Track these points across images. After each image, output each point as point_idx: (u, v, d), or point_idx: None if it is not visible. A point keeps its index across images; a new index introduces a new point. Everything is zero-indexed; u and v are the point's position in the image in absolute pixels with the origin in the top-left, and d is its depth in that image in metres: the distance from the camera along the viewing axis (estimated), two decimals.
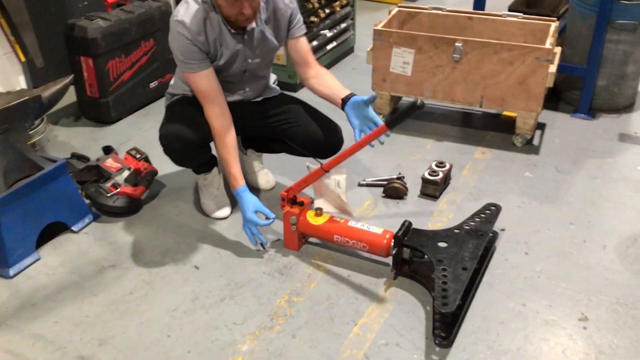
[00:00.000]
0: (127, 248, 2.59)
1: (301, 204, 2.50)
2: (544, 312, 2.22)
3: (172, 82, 2.76)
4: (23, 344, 2.12)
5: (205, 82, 2.41)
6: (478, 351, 2.06)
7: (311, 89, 2.63)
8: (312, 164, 2.45)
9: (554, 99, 3.75)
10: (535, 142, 3.39)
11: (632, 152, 3.29)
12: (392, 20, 3.51)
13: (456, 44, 3.16)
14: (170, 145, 2.51)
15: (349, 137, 2.54)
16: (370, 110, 2.43)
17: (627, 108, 3.75)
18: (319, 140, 2.61)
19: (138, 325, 2.20)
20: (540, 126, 3.51)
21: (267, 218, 2.46)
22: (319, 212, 2.47)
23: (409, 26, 3.64)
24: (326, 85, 2.57)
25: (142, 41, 3.69)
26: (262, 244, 2.53)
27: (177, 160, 2.62)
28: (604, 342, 2.08)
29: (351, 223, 2.44)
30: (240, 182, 2.46)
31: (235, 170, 2.46)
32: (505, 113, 3.61)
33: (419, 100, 2.05)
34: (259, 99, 2.75)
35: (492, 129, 3.52)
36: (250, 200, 2.46)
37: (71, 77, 2.66)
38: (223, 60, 2.44)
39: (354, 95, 2.48)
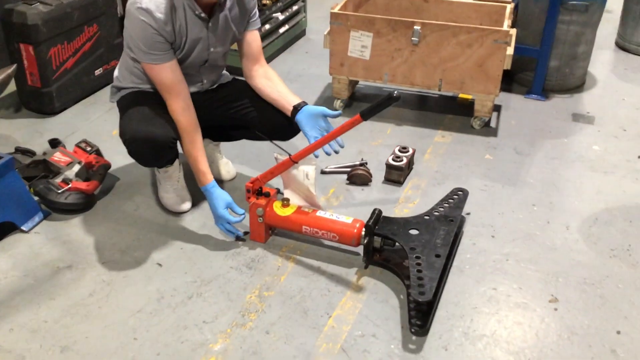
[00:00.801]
0: (83, 247, 2.45)
1: (267, 194, 2.42)
2: (515, 296, 2.23)
3: (116, 73, 2.58)
4: None
5: (169, 74, 2.29)
6: (454, 338, 2.05)
7: (258, 88, 2.54)
8: (280, 154, 2.38)
9: (507, 80, 3.78)
10: (493, 124, 3.41)
11: (585, 131, 3.35)
12: (348, 3, 3.44)
13: (415, 27, 3.13)
14: (140, 149, 2.35)
15: None
16: (329, 124, 2.40)
17: (578, 88, 3.82)
18: (279, 122, 2.52)
19: (102, 329, 2.08)
20: (496, 108, 3.53)
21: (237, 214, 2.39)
22: (285, 202, 2.41)
23: (364, 9, 3.59)
24: (276, 89, 2.50)
25: (85, 26, 3.49)
26: (238, 237, 2.47)
27: (145, 162, 2.49)
28: (575, 323, 2.11)
29: (320, 213, 2.38)
30: (209, 178, 2.37)
31: (204, 166, 2.37)
32: (462, 96, 3.62)
33: (395, 93, 2.00)
34: (214, 86, 2.65)
35: (449, 112, 3.52)
36: (220, 197, 2.37)
37: (14, 66, 2.48)
38: (185, 50, 2.32)
39: (306, 104, 2.43)
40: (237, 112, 2.59)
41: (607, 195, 2.79)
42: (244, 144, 3.01)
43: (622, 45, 4.43)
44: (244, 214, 2.40)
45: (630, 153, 3.13)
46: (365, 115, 2.11)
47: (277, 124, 2.53)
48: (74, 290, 2.24)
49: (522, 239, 2.51)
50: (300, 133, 2.45)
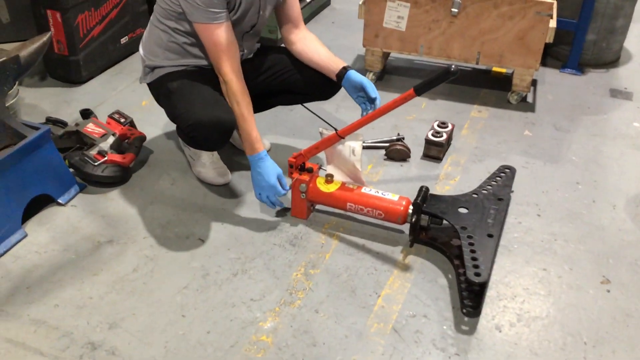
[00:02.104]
0: (123, 221, 2.41)
1: (310, 170, 2.37)
2: (566, 277, 2.19)
3: (143, 52, 2.46)
4: (23, 331, 1.94)
5: (229, 33, 2.20)
6: (507, 319, 2.02)
7: (299, 53, 2.48)
8: (325, 129, 2.31)
9: (542, 54, 3.69)
10: (529, 99, 3.34)
11: (624, 107, 3.28)
12: None
13: None
14: (206, 134, 2.23)
15: None
16: (368, 89, 2.34)
17: (614, 63, 3.74)
18: (322, 79, 2.47)
19: (148, 305, 2.04)
20: (532, 82, 3.45)
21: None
22: (329, 178, 2.35)
23: None
24: (317, 53, 2.45)
25: None
26: (279, 209, 2.43)
27: (209, 147, 2.40)
28: (629, 305, 2.08)
29: (365, 190, 2.33)
30: (261, 146, 2.28)
31: (256, 133, 2.26)
32: (495, 69, 3.54)
33: (452, 67, 1.92)
34: (250, 55, 2.57)
35: (484, 85, 3.44)
36: (272, 167, 2.29)
37: (49, 34, 2.39)
38: (239, 12, 2.25)
39: (348, 69, 2.36)
40: (276, 78, 2.53)
41: None
42: (278, 117, 2.95)
43: None
44: (290, 188, 2.34)
45: None
46: (419, 90, 2.04)
47: (321, 83, 2.49)
48: (117, 266, 2.20)
49: (569, 218, 2.47)
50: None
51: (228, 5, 2.20)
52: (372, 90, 2.32)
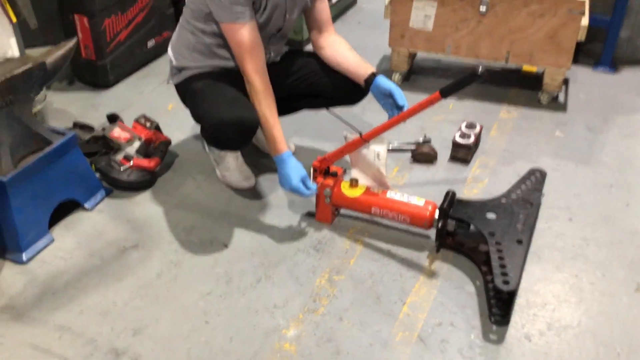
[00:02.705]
0: (148, 226, 2.41)
1: (335, 174, 2.34)
2: (598, 283, 2.12)
3: (171, 53, 2.46)
4: (49, 337, 1.95)
5: (253, 33, 2.19)
6: (537, 328, 1.96)
7: (327, 57, 2.45)
8: (350, 133, 2.28)
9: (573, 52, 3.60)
10: (561, 98, 3.25)
11: None
12: None
13: None
14: (228, 134, 2.23)
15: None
16: (396, 96, 2.29)
17: None
18: (350, 84, 2.44)
19: (172, 311, 2.04)
20: (564, 81, 3.36)
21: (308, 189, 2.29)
22: (354, 183, 2.32)
23: None
24: (345, 59, 2.42)
25: None
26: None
27: (231, 147, 2.41)
28: None
29: (390, 194, 2.29)
30: (285, 146, 2.24)
31: (280, 132, 2.23)
32: (525, 68, 3.45)
33: (480, 68, 1.87)
34: (278, 58, 2.55)
35: (513, 85, 3.37)
36: (296, 167, 2.24)
37: (74, 40, 2.40)
38: (265, 15, 2.24)
39: (376, 75, 2.33)
40: (303, 82, 2.51)
41: None
42: (303, 120, 2.92)
43: None
44: (315, 189, 2.31)
45: None
46: (446, 93, 1.99)
47: (349, 88, 2.46)
48: (142, 271, 2.20)
49: (601, 222, 2.39)
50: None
51: (254, 6, 2.18)
52: (400, 98, 2.28)
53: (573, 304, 2.04)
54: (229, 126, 2.20)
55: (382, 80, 2.31)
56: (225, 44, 2.31)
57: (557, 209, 2.46)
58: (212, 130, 2.25)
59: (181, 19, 2.42)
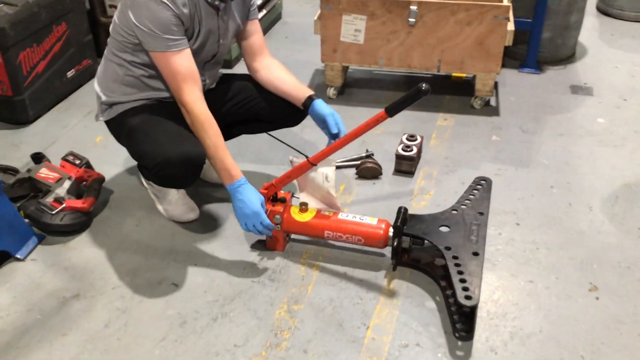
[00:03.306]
0: (88, 272, 2.26)
1: (283, 200, 2.27)
2: (553, 287, 2.15)
3: (98, 88, 2.30)
4: None
5: (188, 61, 2.08)
6: (501, 339, 1.96)
7: (263, 82, 2.39)
8: (296, 157, 2.22)
9: None
10: (492, 102, 3.32)
11: (587, 104, 3.29)
12: None
13: (411, 7, 2.98)
14: (176, 172, 2.11)
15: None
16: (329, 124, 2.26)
17: (570, 58, 3.76)
18: (289, 106, 2.39)
19: None
20: (494, 85, 3.44)
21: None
22: (304, 207, 2.26)
23: None
24: (282, 81, 2.36)
25: (53, 25, 3.23)
26: (267, 236, 2.28)
27: (179, 185, 2.29)
28: (620, 311, 2.05)
29: (341, 215, 2.24)
30: (239, 173, 2.12)
31: (231, 159, 2.11)
32: (455, 74, 3.51)
33: (424, 86, 1.85)
34: (213, 85, 2.47)
35: (446, 92, 3.41)
36: (254, 192, 2.13)
37: None
38: (199, 42, 2.15)
39: (314, 99, 2.29)
40: (244, 106, 2.43)
41: (623, 171, 2.74)
42: (240, 145, 2.84)
43: (603, 9, 4.39)
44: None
45: (636, 124, 3.09)
46: (392, 111, 1.97)
47: (288, 110, 2.40)
48: (87, 323, 2.05)
49: (548, 224, 2.44)
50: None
51: (186, 33, 2.09)
52: (334, 125, 2.24)
53: (533, 311, 2.06)
54: (176, 164, 2.09)
55: (319, 106, 2.27)
56: (157, 75, 2.19)
57: (504, 214, 2.49)
58: (157, 170, 2.12)
59: (106, 52, 2.28)
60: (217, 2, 2.14)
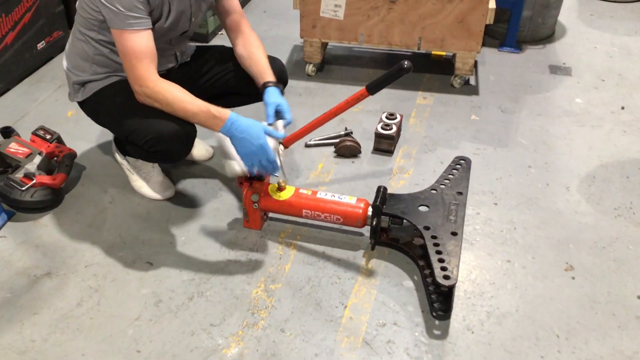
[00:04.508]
0: (59, 250, 2.21)
1: (261, 178, 2.23)
2: (530, 267, 2.16)
3: (70, 65, 2.21)
4: None
5: (149, 42, 1.98)
6: (478, 318, 1.96)
7: (239, 56, 2.32)
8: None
9: None
10: (472, 81, 3.30)
11: (565, 84, 3.29)
12: None
13: None
14: (169, 147, 2.06)
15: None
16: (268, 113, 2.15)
17: (549, 38, 3.75)
18: None
19: (99, 343, 1.87)
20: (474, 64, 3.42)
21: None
22: (282, 185, 2.22)
23: None
24: (253, 62, 2.27)
25: None
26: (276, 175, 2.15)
27: (172, 159, 2.22)
28: (595, 291, 2.06)
29: (320, 194, 2.21)
30: (226, 111, 1.98)
31: (208, 104, 1.98)
32: (435, 53, 3.48)
33: (406, 64, 1.82)
34: (188, 58, 2.41)
35: (426, 70, 3.38)
36: (253, 121, 1.99)
37: None
38: (170, 20, 2.07)
39: (267, 86, 2.19)
40: (221, 79, 2.38)
41: (600, 151, 2.75)
42: None
43: None
44: (284, 136, 2.13)
45: (613, 104, 3.10)
46: (373, 90, 1.95)
47: None
48: (59, 301, 2.01)
49: (525, 204, 2.44)
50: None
51: (153, 13, 2.01)
52: (269, 116, 2.12)
53: (509, 290, 2.07)
54: (169, 138, 2.03)
55: (267, 94, 2.17)
56: None
57: (482, 194, 2.49)
58: (149, 146, 2.06)
59: (74, 29, 2.17)
60: None
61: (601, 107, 3.07)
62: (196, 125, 2.07)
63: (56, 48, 3.41)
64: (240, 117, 2.00)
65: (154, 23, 2.01)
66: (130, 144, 2.16)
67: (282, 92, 2.24)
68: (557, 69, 3.41)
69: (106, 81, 2.18)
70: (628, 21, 4.04)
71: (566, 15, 4.01)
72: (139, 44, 1.97)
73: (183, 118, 2.02)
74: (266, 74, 2.24)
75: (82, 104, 2.26)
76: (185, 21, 2.14)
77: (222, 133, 2.00)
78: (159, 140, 2.04)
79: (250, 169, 2.07)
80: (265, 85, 2.20)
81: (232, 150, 2.05)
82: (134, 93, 2.02)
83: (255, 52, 2.30)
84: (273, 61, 2.36)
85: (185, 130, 2.05)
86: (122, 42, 1.98)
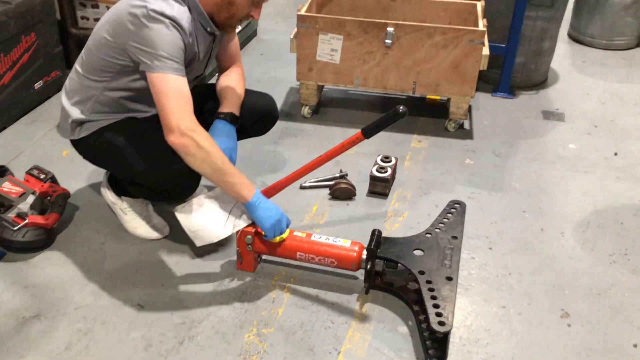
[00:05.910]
0: (49, 291, 2.17)
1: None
2: (525, 313, 2.14)
3: (70, 103, 2.18)
4: None
5: (187, 87, 1.98)
6: None
7: (217, 84, 2.39)
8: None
9: None
10: (466, 125, 3.33)
11: (558, 129, 3.32)
12: (312, 4, 3.26)
13: (388, 28, 2.98)
14: (179, 185, 2.09)
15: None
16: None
17: (542, 84, 3.81)
18: (260, 112, 2.44)
19: None
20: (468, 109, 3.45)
21: None
22: None
23: (328, 9, 3.42)
24: (222, 92, 2.32)
25: (22, 36, 3.15)
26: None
27: (180, 196, 2.23)
28: (590, 339, 2.04)
29: (314, 237, 2.20)
30: (253, 186, 2.07)
31: (241, 175, 2.04)
32: (429, 97, 3.52)
33: (401, 109, 1.84)
34: None
35: (421, 114, 3.41)
36: (273, 204, 2.11)
37: None
38: (196, 67, 2.16)
39: (221, 120, 2.24)
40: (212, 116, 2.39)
41: (594, 197, 2.76)
42: None
43: (575, 37, 4.47)
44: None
45: (606, 150, 3.12)
46: (368, 133, 1.96)
47: (258, 115, 2.46)
48: (47, 344, 1.97)
49: (520, 249, 2.43)
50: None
51: (185, 60, 2.02)
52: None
53: (505, 337, 2.04)
54: (181, 176, 2.05)
55: (213, 129, 2.21)
56: (138, 97, 2.13)
57: (477, 238, 2.48)
58: (157, 186, 2.08)
59: (78, 68, 2.16)
60: (216, 33, 2.14)
61: (594, 153, 3.09)
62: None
63: (53, 88, 3.43)
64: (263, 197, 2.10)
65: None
66: (133, 184, 2.16)
67: (236, 125, 2.27)
68: (550, 115, 3.45)
69: (107, 121, 2.18)
70: (619, 68, 4.11)
71: (559, 62, 4.07)
72: (185, 90, 1.96)
73: (208, 175, 2.01)
74: (225, 105, 2.26)
75: (77, 143, 2.25)
76: (201, 65, 2.18)
77: (250, 205, 2.05)
78: (169, 179, 2.06)
79: (269, 237, 2.13)
80: (217, 115, 2.23)
81: (210, 216, 2.11)
82: (168, 135, 1.93)
83: (227, 82, 2.34)
84: (262, 97, 2.42)
85: (193, 170, 2.04)
86: (164, 87, 1.93)
